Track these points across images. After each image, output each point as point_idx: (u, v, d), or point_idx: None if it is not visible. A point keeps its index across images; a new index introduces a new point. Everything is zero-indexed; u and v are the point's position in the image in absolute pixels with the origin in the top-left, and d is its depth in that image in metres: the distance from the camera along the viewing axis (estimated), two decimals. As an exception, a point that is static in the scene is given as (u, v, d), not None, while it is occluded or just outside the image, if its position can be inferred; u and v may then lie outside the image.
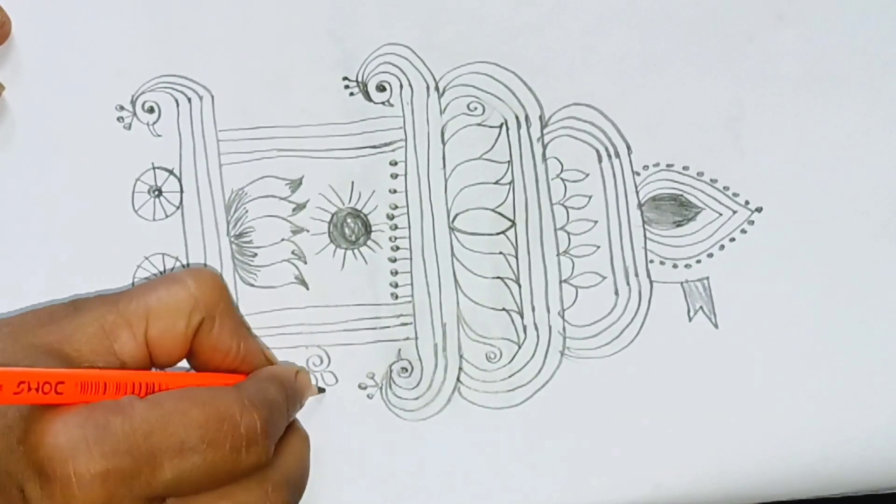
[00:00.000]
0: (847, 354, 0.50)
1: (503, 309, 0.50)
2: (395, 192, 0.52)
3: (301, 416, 0.49)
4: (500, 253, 0.51)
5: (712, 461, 0.49)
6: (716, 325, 0.50)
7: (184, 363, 0.43)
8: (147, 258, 0.50)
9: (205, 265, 0.49)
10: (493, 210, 0.51)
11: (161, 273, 0.50)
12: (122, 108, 0.51)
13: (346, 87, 0.52)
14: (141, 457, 0.34)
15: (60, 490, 0.33)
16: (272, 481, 0.38)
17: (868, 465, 0.49)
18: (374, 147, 0.52)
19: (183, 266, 0.50)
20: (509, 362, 0.50)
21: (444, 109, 0.52)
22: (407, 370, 0.50)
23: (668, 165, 0.52)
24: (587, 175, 0.52)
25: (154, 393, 0.38)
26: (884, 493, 0.50)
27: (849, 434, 0.49)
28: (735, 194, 0.51)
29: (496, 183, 0.52)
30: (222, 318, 0.41)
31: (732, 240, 0.51)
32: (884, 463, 0.49)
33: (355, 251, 0.51)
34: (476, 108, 0.52)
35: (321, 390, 0.49)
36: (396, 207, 0.51)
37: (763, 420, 0.49)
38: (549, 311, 0.50)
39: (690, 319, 0.50)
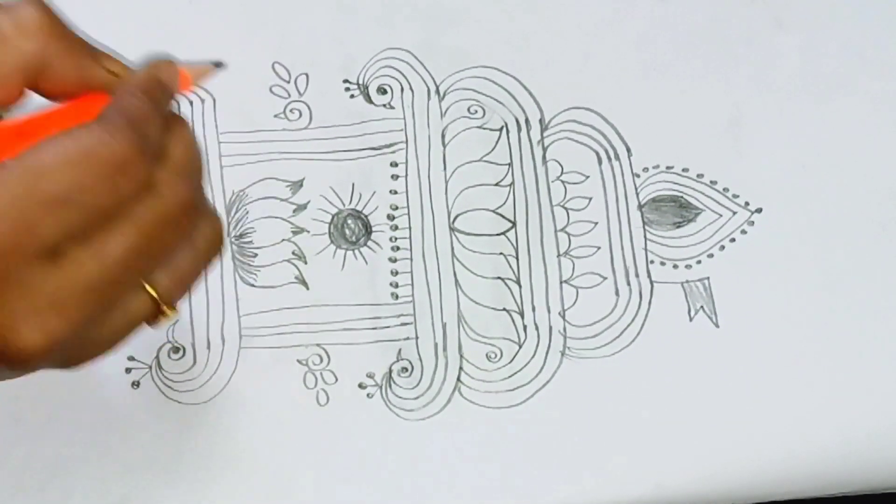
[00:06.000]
0: (847, 354, 0.50)
1: (504, 309, 0.50)
2: (395, 192, 0.52)
3: (301, 416, 0.49)
4: (501, 254, 0.51)
5: (713, 460, 0.49)
6: (717, 325, 0.50)
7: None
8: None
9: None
10: (493, 211, 0.52)
11: None
12: (123, 107, 0.51)
13: (347, 89, 0.53)
14: (19, 225, 0.33)
15: None
16: (163, 182, 0.36)
17: (868, 465, 0.49)
18: (374, 149, 0.52)
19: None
20: (510, 362, 0.50)
21: (445, 112, 0.53)
22: (407, 370, 0.50)
23: (667, 167, 0.52)
24: (587, 177, 0.52)
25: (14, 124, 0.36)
26: (884, 493, 0.50)
27: (849, 434, 0.49)
28: (735, 195, 0.52)
29: (496, 185, 0.52)
30: (61, 59, 0.37)
31: (733, 240, 0.51)
32: (884, 463, 0.49)
33: (356, 251, 0.51)
34: (476, 112, 0.53)
35: (218, 65, 0.46)
36: (397, 208, 0.51)
37: (763, 420, 0.49)
38: (549, 311, 0.50)
39: (691, 319, 0.50)
